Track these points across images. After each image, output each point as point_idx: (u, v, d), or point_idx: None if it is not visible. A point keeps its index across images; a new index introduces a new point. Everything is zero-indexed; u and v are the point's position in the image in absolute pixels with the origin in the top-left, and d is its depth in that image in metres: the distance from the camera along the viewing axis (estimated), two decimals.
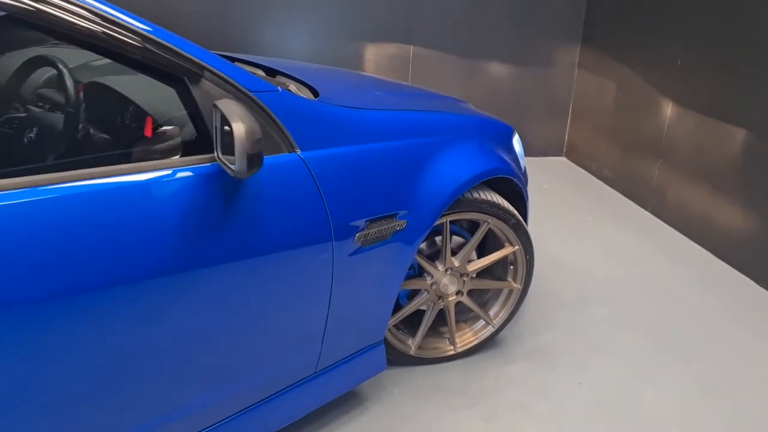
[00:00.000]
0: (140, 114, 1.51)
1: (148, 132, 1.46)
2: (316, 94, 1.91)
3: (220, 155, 1.39)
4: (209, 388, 1.58)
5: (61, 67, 1.55)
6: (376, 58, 4.49)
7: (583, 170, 4.74)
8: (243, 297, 1.55)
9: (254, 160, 1.32)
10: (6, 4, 1.18)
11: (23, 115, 1.58)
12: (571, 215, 3.83)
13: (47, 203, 1.20)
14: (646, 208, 3.97)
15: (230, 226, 1.45)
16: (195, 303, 1.45)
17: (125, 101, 1.53)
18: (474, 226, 2.25)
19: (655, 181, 3.90)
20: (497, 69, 4.71)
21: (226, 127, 1.33)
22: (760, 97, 3.09)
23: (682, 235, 3.64)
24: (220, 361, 1.58)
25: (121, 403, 1.40)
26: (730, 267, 3.27)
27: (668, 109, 3.78)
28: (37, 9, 1.21)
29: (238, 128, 1.30)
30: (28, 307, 1.17)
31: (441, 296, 2.23)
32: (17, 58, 1.67)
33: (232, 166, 1.33)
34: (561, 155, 5.03)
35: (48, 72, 1.64)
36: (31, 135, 1.49)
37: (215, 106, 1.38)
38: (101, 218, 1.26)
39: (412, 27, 4.46)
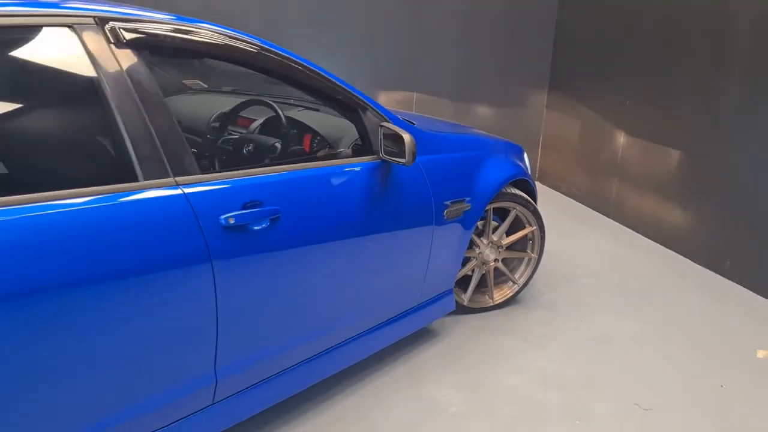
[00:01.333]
0: (336, 132, 2.49)
1: (342, 144, 2.45)
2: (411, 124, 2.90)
3: (385, 155, 2.35)
4: (363, 310, 2.49)
5: (277, 108, 2.53)
6: (385, 102, 5.52)
7: (555, 191, 5.84)
8: (389, 245, 2.49)
9: (414, 155, 2.29)
10: (246, 53, 2.08)
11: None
12: (553, 223, 4.87)
13: (303, 178, 2.14)
14: (609, 216, 5.08)
15: (383, 195, 2.41)
16: (370, 247, 2.39)
17: (330, 126, 2.54)
18: (503, 212, 3.24)
19: (614, 195, 5.02)
20: (482, 110, 5.81)
21: (385, 139, 2.32)
22: (687, 128, 4.25)
23: (637, 233, 4.74)
24: (373, 291, 2.50)
25: (315, 311, 2.28)
26: (673, 251, 4.37)
27: (621, 138, 4.93)
28: (280, 61, 2.15)
29: (408, 137, 2.27)
30: (310, 241, 2.11)
31: (484, 262, 3.20)
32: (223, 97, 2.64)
33: (401, 160, 2.29)
34: (535, 180, 6.14)
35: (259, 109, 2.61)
36: (276, 145, 2.48)
37: (381, 126, 2.36)
38: (314, 189, 2.19)
39: (416, 76, 5.51)
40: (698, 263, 4.18)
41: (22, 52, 1.64)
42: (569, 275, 3.85)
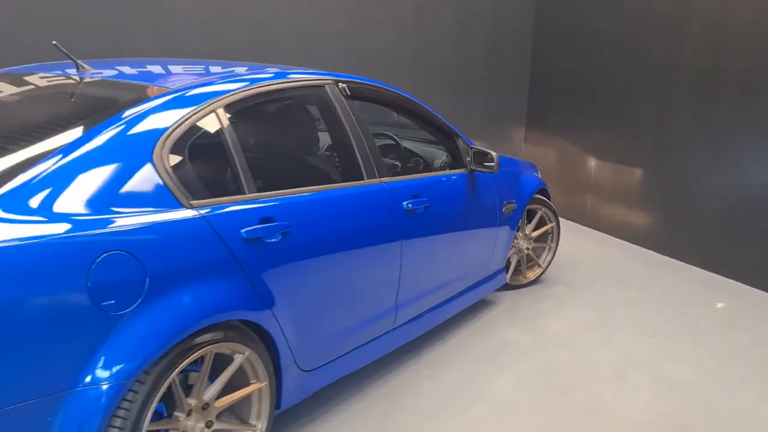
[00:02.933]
0: (431, 155, 3.60)
1: (438, 161, 3.56)
2: None
3: (475, 167, 3.47)
4: (461, 276, 3.58)
5: (394, 136, 3.62)
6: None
7: None
8: (475, 230, 3.60)
9: (499, 165, 3.43)
10: (397, 99, 3.23)
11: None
12: None
13: (430, 183, 3.23)
14: (586, 225, 6.35)
15: (472, 194, 3.53)
16: (465, 231, 3.49)
17: (426, 151, 3.64)
18: (530, 213, 4.40)
19: (589, 207, 6.31)
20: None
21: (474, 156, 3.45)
22: (646, 150, 5.60)
23: (610, 236, 6.02)
24: (466, 264, 3.59)
25: (440, 274, 3.37)
26: (641, 246, 5.66)
27: (592, 162, 6.26)
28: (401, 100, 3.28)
29: (495, 153, 3.41)
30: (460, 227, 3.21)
31: (520, 250, 4.34)
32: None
33: (491, 168, 3.42)
34: None
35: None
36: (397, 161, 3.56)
37: (472, 147, 3.49)
38: (442, 188, 3.30)
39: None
40: (661, 253, 5.47)
41: (305, 98, 2.77)
42: (570, 265, 5.04)
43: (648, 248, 5.61)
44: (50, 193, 1.78)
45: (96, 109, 2.17)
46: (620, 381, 3.24)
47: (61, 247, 1.72)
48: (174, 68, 2.93)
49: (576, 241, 5.83)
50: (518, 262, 4.38)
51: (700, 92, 5.07)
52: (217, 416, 2.15)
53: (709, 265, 5.04)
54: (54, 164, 1.83)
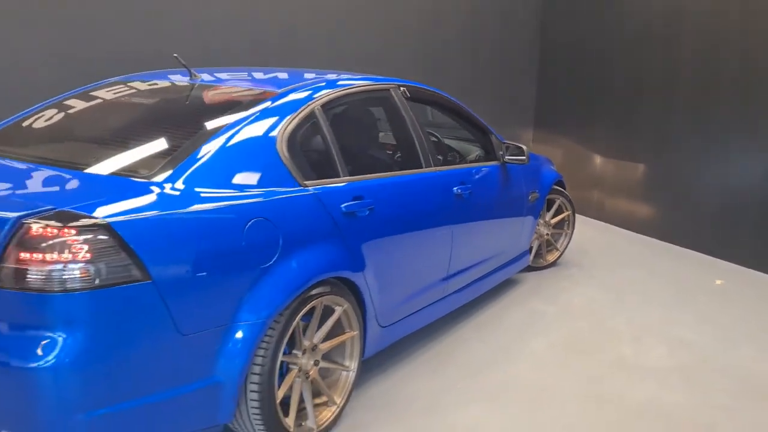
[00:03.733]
0: (466, 150, 4.12)
1: (473, 155, 4.08)
2: None
3: (508, 159, 4.00)
4: (496, 254, 4.09)
5: (434, 132, 4.14)
6: None
7: None
8: (507, 215, 4.13)
9: (529, 157, 3.96)
10: (442, 100, 3.76)
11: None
12: None
13: (472, 172, 3.76)
14: (592, 217, 6.89)
15: (504, 183, 4.05)
16: (500, 215, 4.02)
17: (462, 147, 4.16)
18: (549, 202, 4.93)
19: (595, 200, 6.85)
20: None
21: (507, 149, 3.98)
22: (647, 147, 6.16)
23: (614, 226, 6.57)
24: (500, 244, 4.11)
25: (481, 251, 3.89)
26: (642, 235, 6.20)
27: (597, 159, 6.81)
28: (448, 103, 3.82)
29: (526, 147, 3.94)
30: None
31: (540, 235, 4.87)
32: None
33: (523, 160, 3.95)
34: None
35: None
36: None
37: (503, 142, 4.02)
38: (481, 177, 3.82)
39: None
40: (662, 240, 6.02)
41: (378, 99, 3.30)
42: (582, 251, 5.56)
43: (650, 236, 6.16)
44: (209, 174, 2.30)
45: (224, 109, 2.67)
46: (637, 342, 3.76)
47: (225, 213, 2.23)
48: (266, 76, 3.43)
49: (585, 232, 6.36)
50: (539, 246, 4.91)
51: (698, 92, 5.63)
52: (322, 357, 2.65)
53: (706, 249, 5.59)
54: (208, 152, 2.34)
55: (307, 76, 3.11)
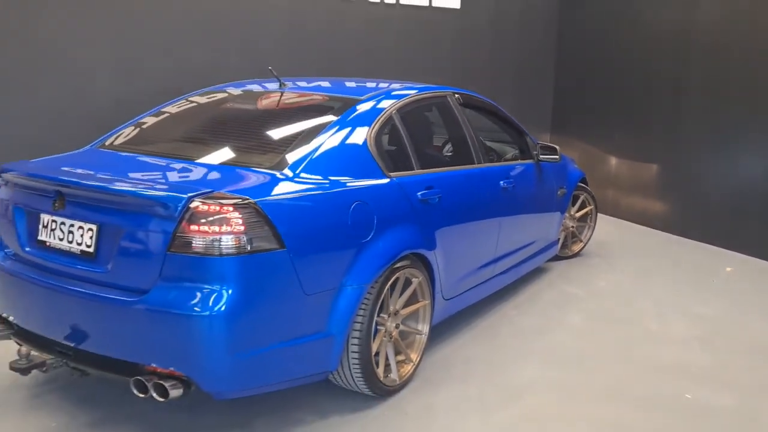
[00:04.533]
0: (507, 147, 4.63)
1: (516, 154, 4.59)
2: None
3: (542, 157, 4.50)
4: (531, 242, 4.58)
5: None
6: None
7: None
8: (540, 208, 4.63)
9: (561, 156, 4.47)
10: (483, 104, 4.27)
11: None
12: None
13: (514, 168, 4.25)
14: (608, 215, 7.39)
15: (538, 179, 4.56)
16: (535, 207, 4.52)
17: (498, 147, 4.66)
18: (574, 198, 5.42)
19: (610, 198, 7.36)
20: None
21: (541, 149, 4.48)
22: (659, 148, 6.67)
23: (630, 222, 7.06)
24: (534, 233, 4.60)
25: (521, 236, 4.38)
26: (655, 230, 6.70)
27: (612, 161, 7.32)
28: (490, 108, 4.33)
29: (557, 147, 4.44)
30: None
31: (566, 228, 5.37)
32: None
33: (555, 158, 4.46)
34: None
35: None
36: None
37: (538, 143, 4.53)
38: (521, 173, 4.33)
39: None
40: (674, 234, 6.52)
41: (435, 105, 3.81)
42: (601, 244, 6.06)
43: (663, 230, 6.65)
44: (320, 165, 2.82)
45: (321, 112, 3.18)
46: (660, 317, 4.26)
47: (336, 197, 2.76)
48: (344, 85, 3.94)
49: (602, 227, 6.85)
50: (565, 237, 5.41)
51: (708, 94, 6.15)
52: (401, 321, 3.14)
53: (717, 241, 6.08)
54: (318, 147, 2.86)
55: (378, 85, 3.62)
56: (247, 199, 2.43)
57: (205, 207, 2.38)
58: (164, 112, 3.52)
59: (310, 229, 2.62)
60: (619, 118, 7.22)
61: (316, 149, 2.86)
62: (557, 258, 5.34)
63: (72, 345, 2.60)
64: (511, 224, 4.15)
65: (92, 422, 2.81)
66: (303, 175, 2.73)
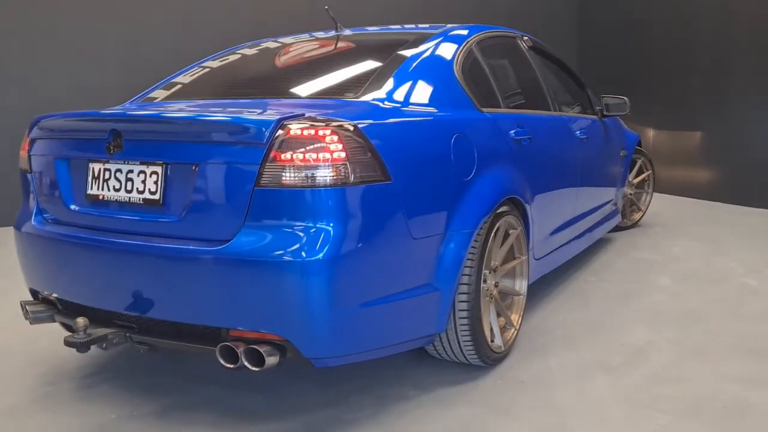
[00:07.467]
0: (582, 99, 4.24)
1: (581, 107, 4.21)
2: None
3: (606, 113, 4.14)
4: (599, 205, 4.19)
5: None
6: None
7: None
8: (609, 167, 4.25)
9: (629, 106, 4.10)
10: (549, 56, 3.89)
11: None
12: None
13: (585, 121, 3.87)
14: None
15: (605, 136, 4.19)
16: (605, 166, 4.14)
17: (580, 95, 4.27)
18: (631, 162, 5.06)
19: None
20: None
21: (607, 104, 4.11)
22: (700, 119, 6.34)
23: (676, 196, 6.71)
24: (604, 195, 4.21)
25: (592, 199, 4.00)
26: (703, 200, 6.36)
27: (651, 133, 6.98)
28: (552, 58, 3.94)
29: (626, 99, 4.08)
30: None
31: (624, 195, 4.99)
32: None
33: (623, 113, 4.10)
34: None
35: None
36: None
37: (601, 96, 4.16)
38: (592, 127, 3.95)
39: None
40: (727, 202, 6.18)
41: (508, 45, 3.41)
42: (656, 215, 5.69)
43: (714, 200, 6.31)
44: (412, 93, 2.43)
45: (398, 45, 2.77)
46: (755, 273, 3.88)
47: (437, 125, 2.37)
48: (407, 26, 3.55)
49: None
50: (623, 206, 5.03)
51: (754, 50, 5.83)
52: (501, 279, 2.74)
53: (761, 204, 5.75)
54: (401, 77, 2.47)
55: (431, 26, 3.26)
56: (347, 122, 2.03)
57: (299, 131, 1.97)
58: (208, 66, 3.12)
59: (415, 161, 2.22)
60: (654, 89, 6.90)
61: (405, 78, 2.46)
62: (617, 229, 4.97)
63: (136, 315, 2.17)
64: (587, 179, 3.77)
65: (159, 411, 2.36)
66: (396, 101, 2.34)
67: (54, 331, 2.71)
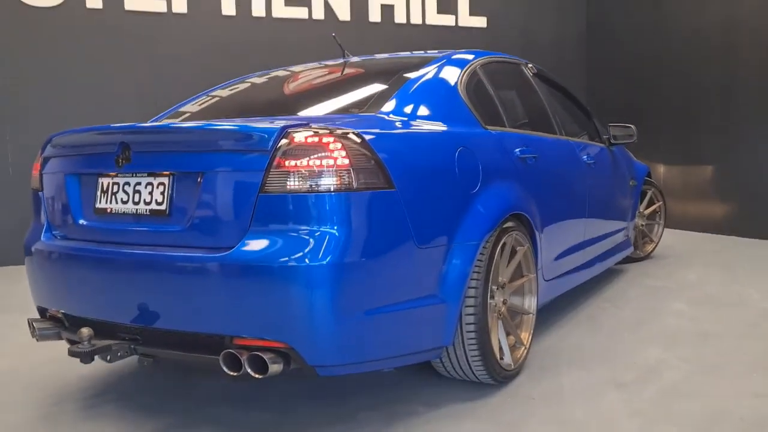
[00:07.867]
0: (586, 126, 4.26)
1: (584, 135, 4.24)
2: None
3: (613, 141, 4.16)
4: (610, 233, 4.16)
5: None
6: None
7: None
8: (618, 196, 4.24)
9: (636, 135, 4.12)
10: (556, 85, 3.93)
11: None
12: None
13: (593, 148, 3.89)
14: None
15: (614, 164, 4.19)
16: (614, 194, 4.14)
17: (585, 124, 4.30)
18: (642, 194, 5.04)
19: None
20: None
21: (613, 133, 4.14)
22: (708, 152, 6.34)
23: (684, 230, 6.65)
24: (614, 223, 4.19)
25: (601, 226, 3.98)
26: (709, 233, 6.29)
27: (661, 168, 6.98)
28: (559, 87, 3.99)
29: (633, 126, 4.11)
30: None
31: (636, 226, 4.96)
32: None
33: (630, 141, 4.11)
34: None
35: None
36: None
37: (609, 125, 4.19)
38: (599, 154, 3.96)
39: None
40: (740, 236, 6.11)
41: (512, 70, 3.46)
42: (668, 247, 5.64)
43: (726, 234, 6.25)
44: (417, 107, 2.47)
45: (404, 68, 2.84)
46: None
47: (441, 138, 2.40)
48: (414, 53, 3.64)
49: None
50: (635, 237, 4.99)
51: (764, 85, 5.87)
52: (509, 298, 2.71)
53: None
54: (410, 91, 2.53)
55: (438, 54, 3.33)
56: (351, 130, 2.06)
57: (303, 139, 2.00)
58: (217, 95, 3.20)
59: (419, 171, 2.23)
60: (663, 123, 6.93)
61: (410, 95, 2.52)
62: (629, 260, 4.92)
63: (141, 326, 2.16)
64: (596, 205, 3.75)
65: (162, 429, 2.33)
66: (401, 115, 2.38)
67: (60, 358, 2.71)
